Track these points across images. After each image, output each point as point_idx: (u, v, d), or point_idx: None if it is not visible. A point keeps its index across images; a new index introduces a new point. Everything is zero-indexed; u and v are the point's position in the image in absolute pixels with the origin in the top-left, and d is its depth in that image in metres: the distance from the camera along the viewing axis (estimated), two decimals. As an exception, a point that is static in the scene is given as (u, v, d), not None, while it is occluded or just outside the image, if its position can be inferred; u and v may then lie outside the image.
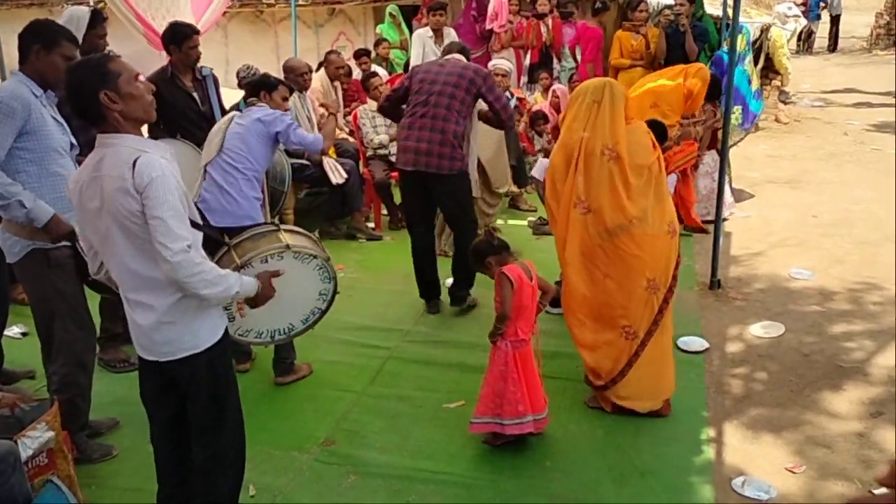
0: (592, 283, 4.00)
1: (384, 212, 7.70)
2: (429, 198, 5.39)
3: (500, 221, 7.32)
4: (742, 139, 8.15)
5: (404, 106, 5.42)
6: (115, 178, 2.53)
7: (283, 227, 3.55)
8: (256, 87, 4.74)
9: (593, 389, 4.17)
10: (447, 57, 5.48)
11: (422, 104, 5.19)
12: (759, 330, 5.08)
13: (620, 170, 3.90)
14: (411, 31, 9.81)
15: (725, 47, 8.10)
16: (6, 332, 4.62)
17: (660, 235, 3.95)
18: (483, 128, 5.71)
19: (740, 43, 8.05)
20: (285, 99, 4.76)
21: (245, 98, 6.77)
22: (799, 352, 4.79)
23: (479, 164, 6.21)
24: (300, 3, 10.99)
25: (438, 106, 5.16)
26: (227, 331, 2.91)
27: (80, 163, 3.50)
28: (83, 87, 2.57)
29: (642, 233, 3.89)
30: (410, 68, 5.50)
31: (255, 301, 2.91)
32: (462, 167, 5.26)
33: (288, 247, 3.38)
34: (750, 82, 8.05)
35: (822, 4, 21.96)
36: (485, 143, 6.30)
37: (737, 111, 7.69)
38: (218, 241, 3.21)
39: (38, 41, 3.50)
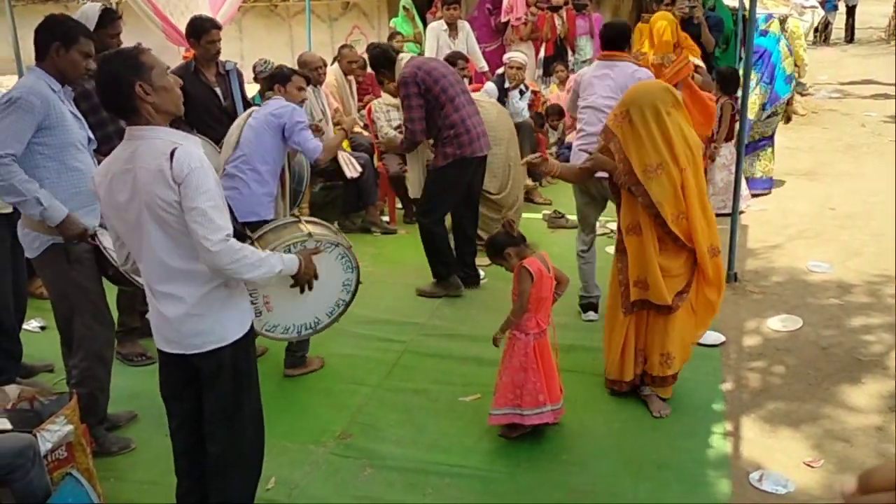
0: None
1: (399, 205, 7.69)
2: None
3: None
4: (773, 125, 8.03)
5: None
6: (152, 170, 2.54)
7: (303, 218, 3.57)
8: (271, 80, 4.74)
9: (664, 383, 4.08)
10: (408, 55, 5.68)
11: (462, 93, 5.46)
12: (777, 323, 5.05)
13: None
14: (425, 25, 9.79)
15: (761, 34, 8.14)
16: (25, 326, 4.66)
17: None
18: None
19: (774, 26, 8.08)
20: (301, 89, 4.72)
21: (260, 92, 6.80)
22: (817, 345, 4.75)
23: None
24: (314, -4, 10.99)
25: (468, 92, 5.58)
26: (252, 325, 2.93)
27: (96, 158, 3.54)
28: (117, 78, 2.57)
29: None
30: (406, 73, 5.32)
31: (297, 279, 2.98)
32: None
33: (310, 234, 3.41)
34: (782, 63, 7.98)
35: (838, -6, 21.76)
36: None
37: (759, 89, 7.70)
38: (241, 235, 3.23)
39: (58, 38, 3.50)
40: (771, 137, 7.99)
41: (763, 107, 7.79)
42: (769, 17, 8.55)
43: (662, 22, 7.29)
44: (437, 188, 5.60)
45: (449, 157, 5.38)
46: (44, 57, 3.52)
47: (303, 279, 3.02)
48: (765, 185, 7.96)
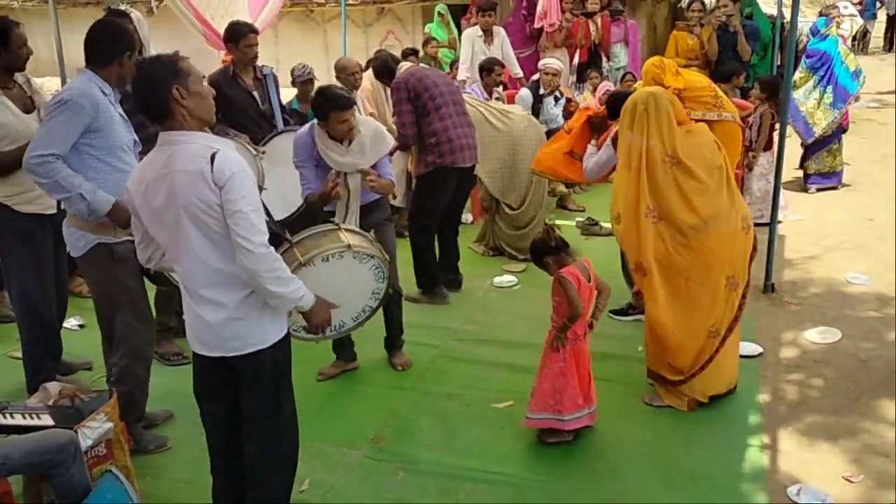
0: (676, 292, 4.02)
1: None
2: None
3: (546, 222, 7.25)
4: (835, 121, 8.01)
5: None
6: (192, 173, 2.57)
7: (342, 226, 3.59)
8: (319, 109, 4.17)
9: (665, 386, 4.14)
10: (408, 63, 5.73)
11: (452, 104, 5.48)
12: (815, 335, 4.98)
13: (685, 173, 3.98)
14: (460, 31, 9.81)
15: (821, 38, 8.16)
16: (65, 324, 4.72)
17: (736, 233, 4.04)
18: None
19: (833, 29, 8.16)
20: (343, 121, 4.07)
21: (298, 97, 6.82)
22: (856, 358, 4.68)
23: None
24: (350, 2, 11.06)
25: (461, 104, 5.60)
26: (288, 329, 2.95)
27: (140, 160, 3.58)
28: (155, 81, 2.61)
29: (719, 231, 3.97)
30: (398, 79, 5.43)
31: (307, 318, 2.96)
32: None
33: (349, 246, 3.42)
34: (843, 62, 7.95)
35: (878, 4, 21.43)
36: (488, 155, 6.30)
37: (818, 92, 7.76)
38: (277, 236, 3.24)
39: (128, 48, 3.64)
40: (838, 133, 8.03)
41: (832, 105, 7.84)
42: (829, 21, 8.55)
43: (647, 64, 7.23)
44: (418, 197, 5.69)
45: (429, 166, 5.43)
46: (106, 63, 3.60)
47: (313, 322, 2.97)
48: (833, 180, 8.09)
